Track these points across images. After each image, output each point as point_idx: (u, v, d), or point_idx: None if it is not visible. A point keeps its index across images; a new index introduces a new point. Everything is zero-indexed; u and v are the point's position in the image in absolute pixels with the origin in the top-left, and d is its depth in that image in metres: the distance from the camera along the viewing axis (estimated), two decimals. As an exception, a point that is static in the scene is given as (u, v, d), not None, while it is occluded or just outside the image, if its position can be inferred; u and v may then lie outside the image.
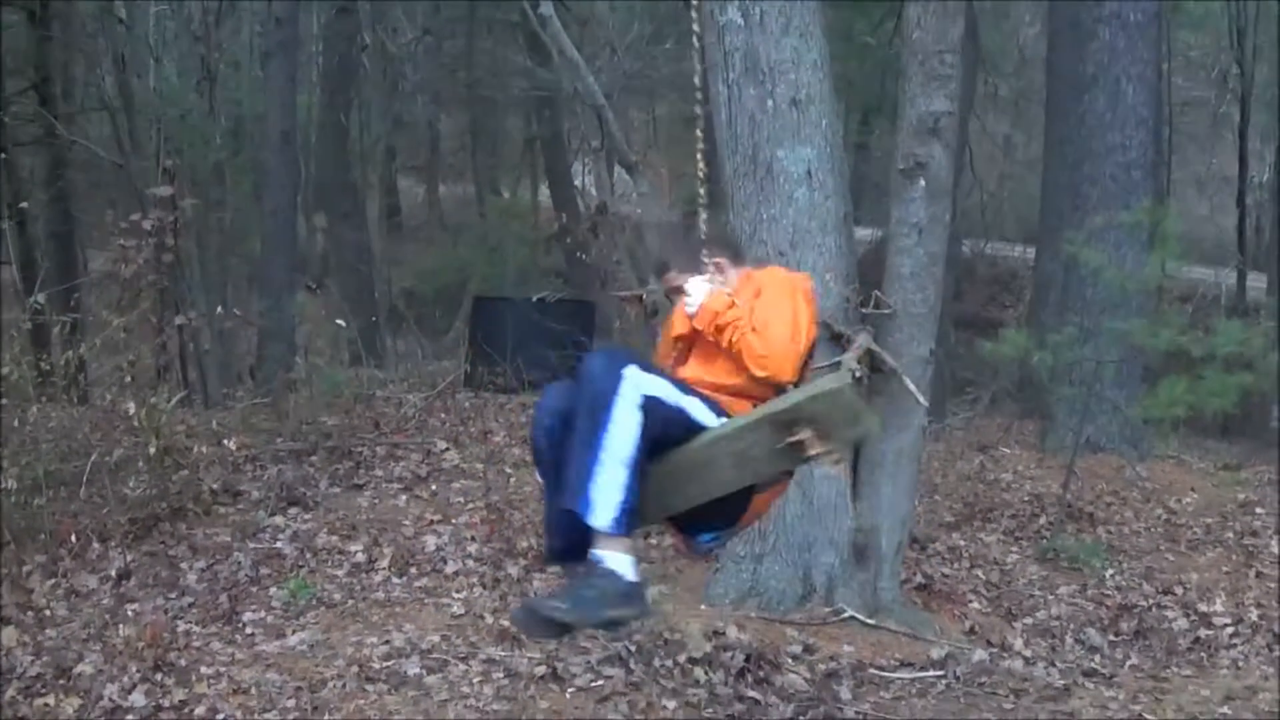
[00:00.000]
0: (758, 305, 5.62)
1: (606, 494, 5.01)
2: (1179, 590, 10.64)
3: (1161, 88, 19.08)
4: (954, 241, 14.50)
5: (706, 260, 5.85)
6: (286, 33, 18.77)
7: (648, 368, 5.25)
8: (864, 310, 9.13)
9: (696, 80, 6.23)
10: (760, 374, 5.48)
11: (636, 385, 5.10)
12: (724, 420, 5.33)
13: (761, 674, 8.24)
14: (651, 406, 5.11)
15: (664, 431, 5.17)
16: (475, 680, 7.85)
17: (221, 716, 7.44)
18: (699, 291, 5.67)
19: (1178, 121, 28.93)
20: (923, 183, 9.03)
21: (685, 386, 5.36)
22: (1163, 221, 12.92)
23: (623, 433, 5.05)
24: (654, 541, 10.05)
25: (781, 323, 5.54)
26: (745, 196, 9.13)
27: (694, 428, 5.27)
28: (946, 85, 9.04)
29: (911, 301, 9.12)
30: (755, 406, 5.40)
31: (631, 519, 5.08)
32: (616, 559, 5.03)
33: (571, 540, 5.19)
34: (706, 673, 8.13)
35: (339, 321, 16.35)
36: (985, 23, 22.26)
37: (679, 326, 5.78)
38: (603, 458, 5.02)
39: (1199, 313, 20.32)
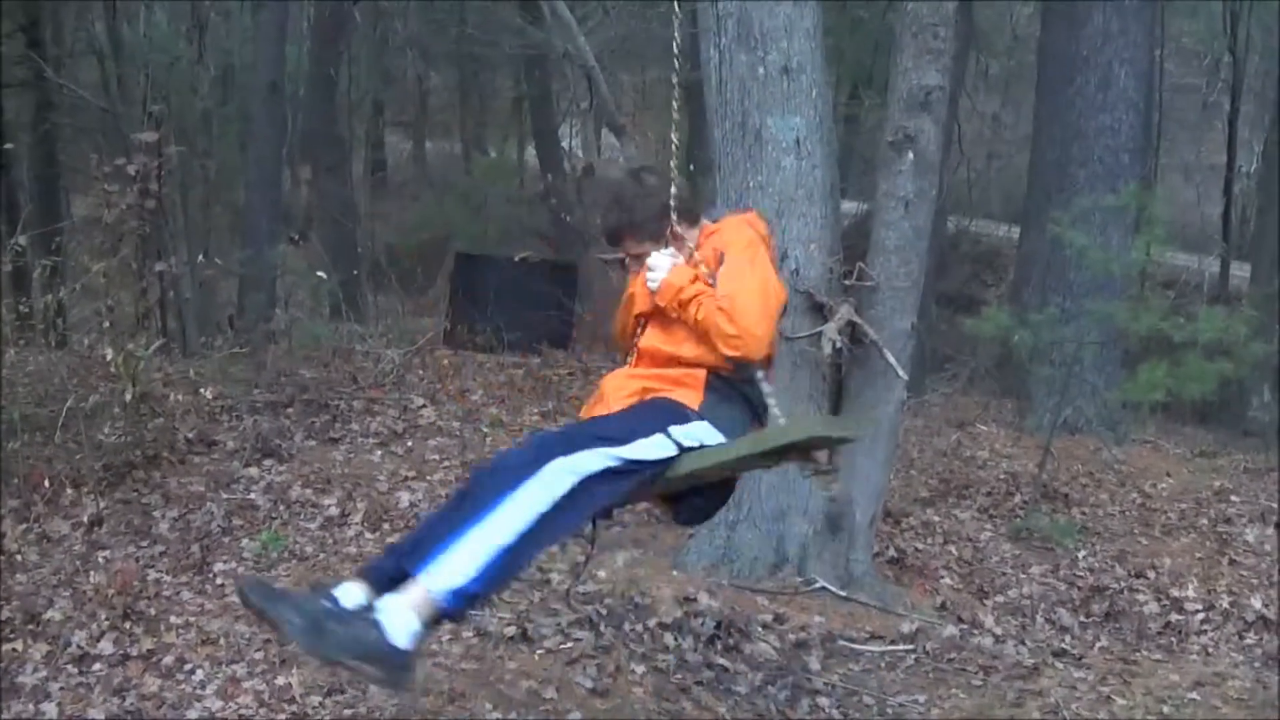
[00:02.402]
0: (722, 275, 5.36)
1: (456, 563, 4.62)
2: (1151, 574, 10.66)
3: (1153, 73, 19.06)
4: (939, 218, 14.52)
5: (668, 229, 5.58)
6: (278, -18, 18.71)
7: (575, 438, 4.96)
8: (847, 282, 9.11)
9: (675, 47, 6.14)
10: (733, 354, 5.24)
11: (567, 469, 4.80)
12: (704, 450, 5.12)
13: (731, 642, 8.25)
14: (591, 482, 4.85)
15: (627, 488, 5.00)
16: (444, 639, 7.80)
17: (189, 666, 7.43)
18: (662, 265, 5.42)
19: (1168, 108, 28.94)
20: (911, 156, 9.01)
21: (631, 419, 5.11)
22: (1149, 206, 12.95)
23: (509, 517, 4.69)
24: (628, 506, 10.04)
25: (750, 295, 5.30)
26: (733, 163, 9.10)
27: (659, 464, 5.04)
28: (939, 59, 9.02)
29: (895, 275, 9.10)
30: (710, 378, 5.29)
31: (469, 601, 4.70)
32: (402, 620, 4.58)
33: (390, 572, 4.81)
34: (676, 639, 8.14)
35: (320, 274, 16.29)
36: (979, 0, 22.25)
37: (641, 303, 5.55)
38: (472, 533, 4.66)
39: (1181, 299, 20.32)
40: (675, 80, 6.09)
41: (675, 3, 5.91)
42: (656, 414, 5.15)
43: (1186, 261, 23.52)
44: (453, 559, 4.63)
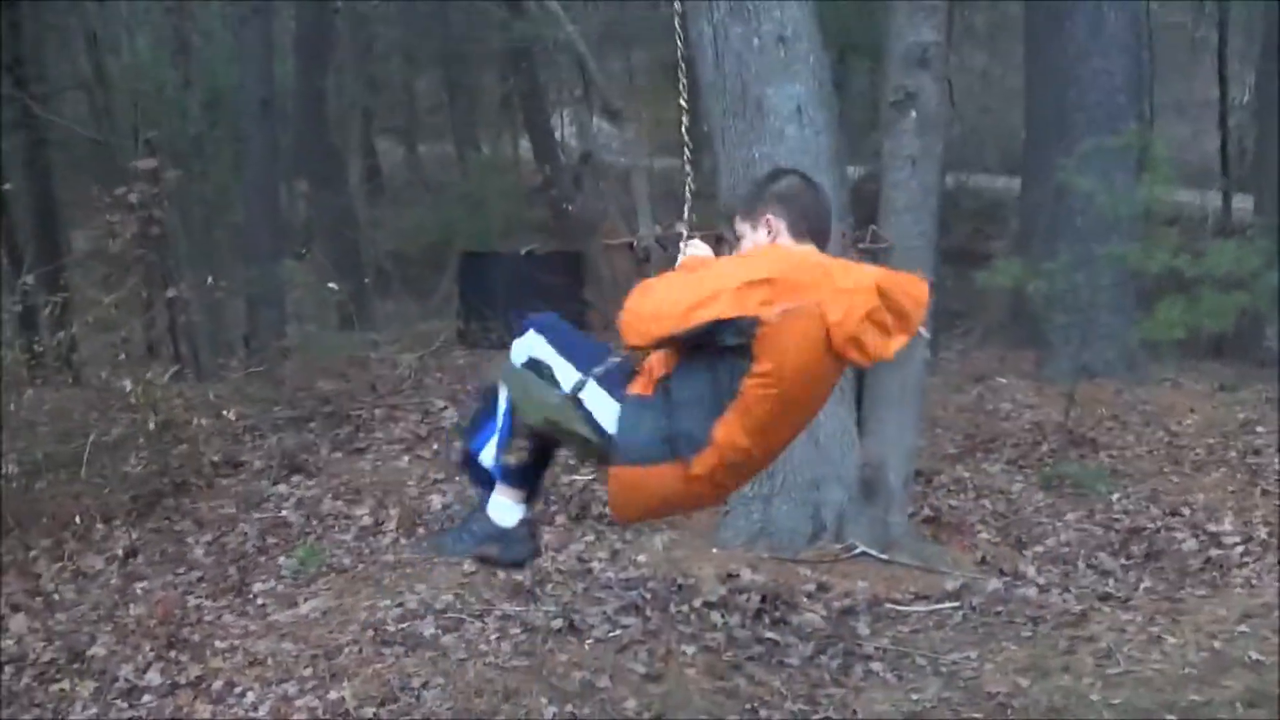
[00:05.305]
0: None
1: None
2: (1186, 511, 10.60)
3: (1141, 12, 19.00)
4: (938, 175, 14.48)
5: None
6: (258, -1, 18.66)
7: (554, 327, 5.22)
8: (860, 246, 9.08)
9: (678, 24, 6.09)
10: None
11: (523, 348, 5.18)
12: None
13: (778, 614, 8.25)
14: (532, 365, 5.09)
15: None
16: (492, 637, 7.82)
17: (239, 689, 7.43)
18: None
19: (1157, 46, 28.92)
20: (914, 114, 9.00)
21: (582, 343, 5.20)
22: (1151, 145, 12.89)
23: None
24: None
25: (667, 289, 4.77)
26: (736, 135, 9.07)
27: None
28: (933, 16, 9.02)
29: (908, 234, 9.09)
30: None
31: (510, 474, 5.25)
32: (497, 504, 5.23)
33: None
34: (723, 616, 8.14)
35: (331, 285, 16.26)
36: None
37: None
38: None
39: (1185, 235, 20.29)
40: (681, 59, 6.04)
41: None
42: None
43: (1188, 198, 23.47)
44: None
